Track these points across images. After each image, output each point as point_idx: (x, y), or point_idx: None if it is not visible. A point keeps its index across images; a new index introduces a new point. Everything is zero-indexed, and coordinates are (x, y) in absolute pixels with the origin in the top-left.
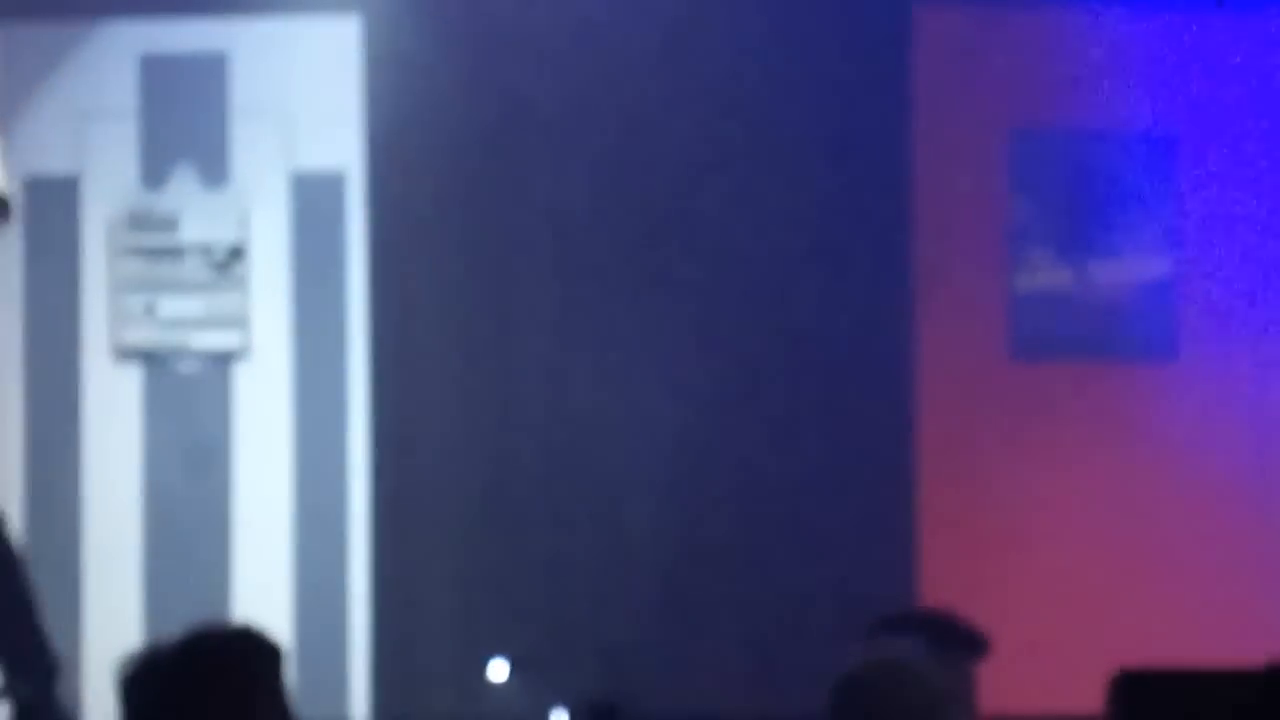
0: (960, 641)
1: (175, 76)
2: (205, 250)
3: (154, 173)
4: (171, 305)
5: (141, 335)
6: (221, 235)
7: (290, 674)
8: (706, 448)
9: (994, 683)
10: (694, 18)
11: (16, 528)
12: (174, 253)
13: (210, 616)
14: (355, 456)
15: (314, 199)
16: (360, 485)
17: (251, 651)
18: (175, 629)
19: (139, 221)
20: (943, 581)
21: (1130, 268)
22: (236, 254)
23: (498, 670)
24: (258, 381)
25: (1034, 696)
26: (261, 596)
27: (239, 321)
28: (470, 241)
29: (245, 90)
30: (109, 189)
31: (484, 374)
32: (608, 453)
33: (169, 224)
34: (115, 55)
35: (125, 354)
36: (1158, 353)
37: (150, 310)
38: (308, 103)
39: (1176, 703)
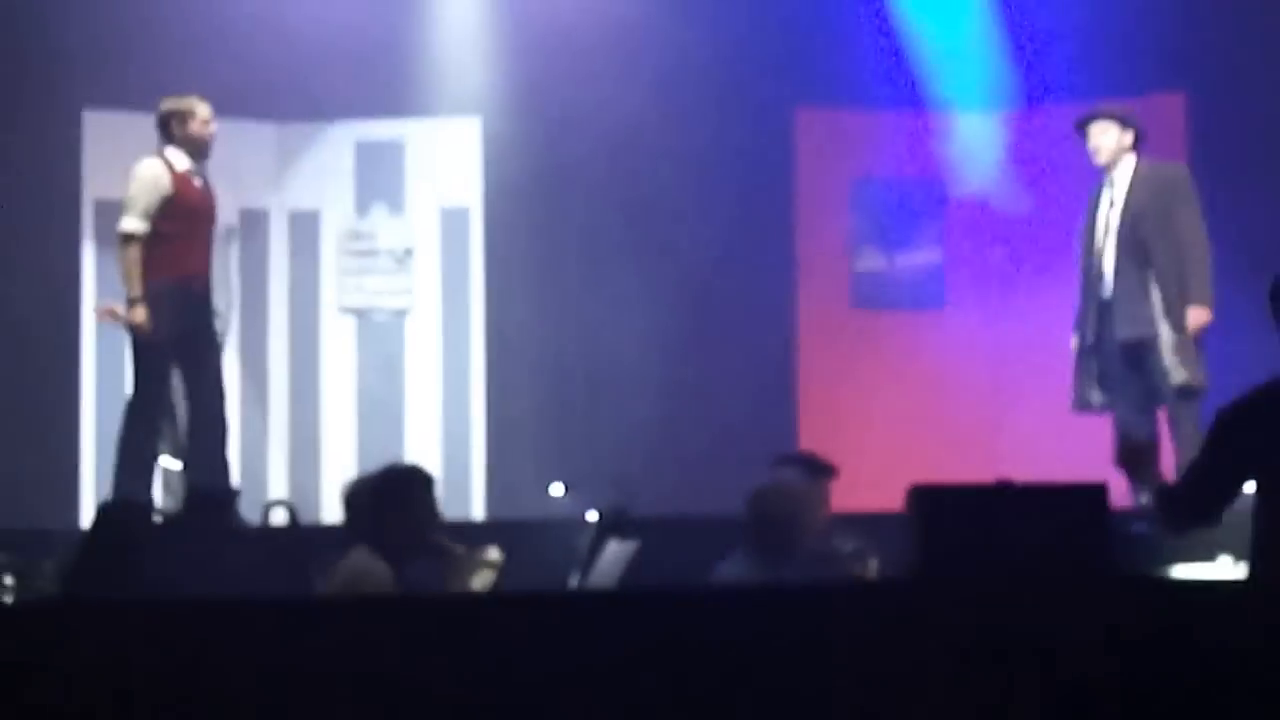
0: (820, 469)
1: (374, 152)
2: (390, 251)
3: (362, 208)
4: (371, 283)
5: (354, 300)
6: (400, 243)
7: (438, 492)
8: (669, 363)
9: (838, 494)
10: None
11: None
12: (372, 253)
13: (393, 459)
14: (475, 367)
15: (452, 223)
16: (479, 383)
17: (417, 477)
18: (373, 468)
19: (353, 235)
20: (812, 435)
21: (917, 257)
22: (408, 254)
23: (556, 488)
24: (420, 327)
25: (862, 503)
26: (421, 449)
27: (409, 292)
28: (538, 246)
29: (413, 160)
30: (337, 217)
31: (545, 320)
32: (617, 370)
33: (370, 237)
34: (342, 141)
35: (345, 311)
36: (931, 305)
37: (360, 286)
38: (449, 168)
39: (947, 505)
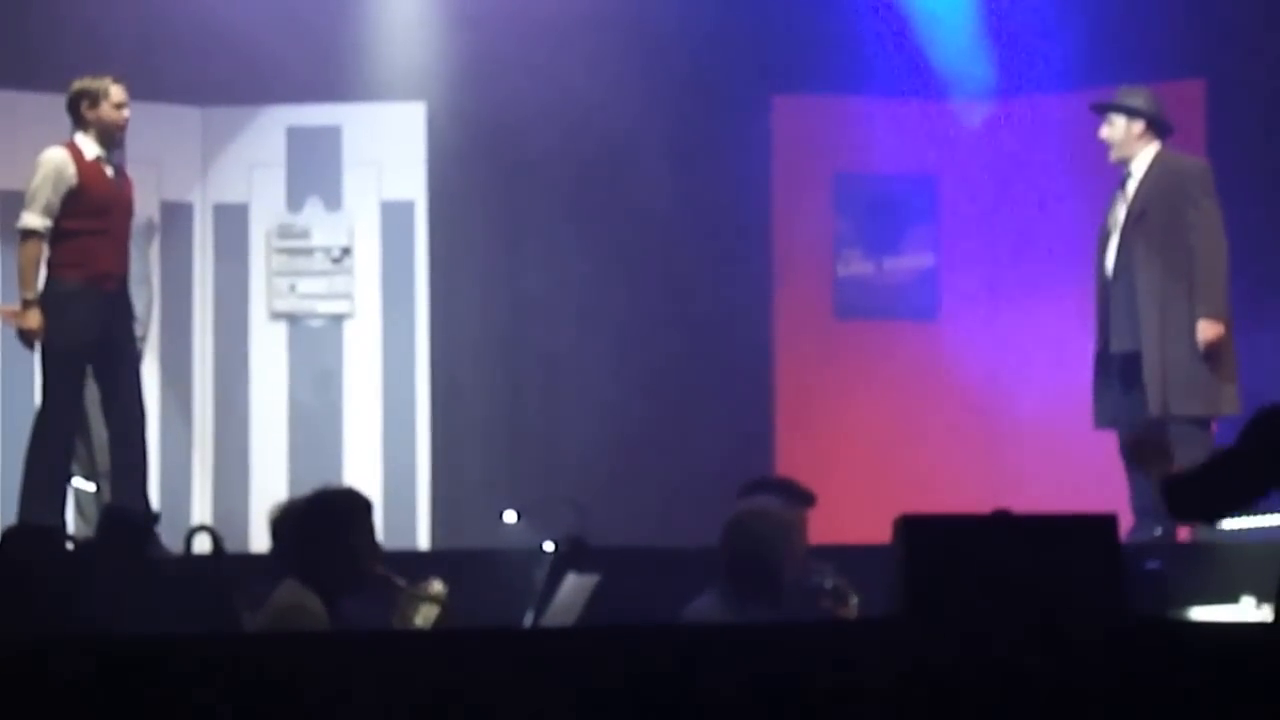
0: (797, 497)
1: (308, 140)
2: (326, 250)
3: (295, 201)
4: (305, 285)
5: (286, 304)
6: (336, 241)
7: (377, 518)
8: (634, 378)
9: (816, 524)
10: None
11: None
12: (307, 251)
13: (328, 481)
14: (420, 380)
15: (395, 218)
16: (424, 398)
17: (353, 502)
18: (305, 489)
19: (285, 232)
20: (791, 458)
21: (908, 262)
22: (346, 252)
23: (509, 515)
24: (359, 334)
25: (842, 535)
26: (360, 469)
27: (347, 295)
28: (490, 244)
29: (351, 149)
30: (266, 211)
31: (498, 326)
32: (577, 385)
33: (304, 233)
34: (272, 127)
35: (276, 316)
36: (923, 315)
37: (292, 288)
38: (391, 158)
39: (938, 537)
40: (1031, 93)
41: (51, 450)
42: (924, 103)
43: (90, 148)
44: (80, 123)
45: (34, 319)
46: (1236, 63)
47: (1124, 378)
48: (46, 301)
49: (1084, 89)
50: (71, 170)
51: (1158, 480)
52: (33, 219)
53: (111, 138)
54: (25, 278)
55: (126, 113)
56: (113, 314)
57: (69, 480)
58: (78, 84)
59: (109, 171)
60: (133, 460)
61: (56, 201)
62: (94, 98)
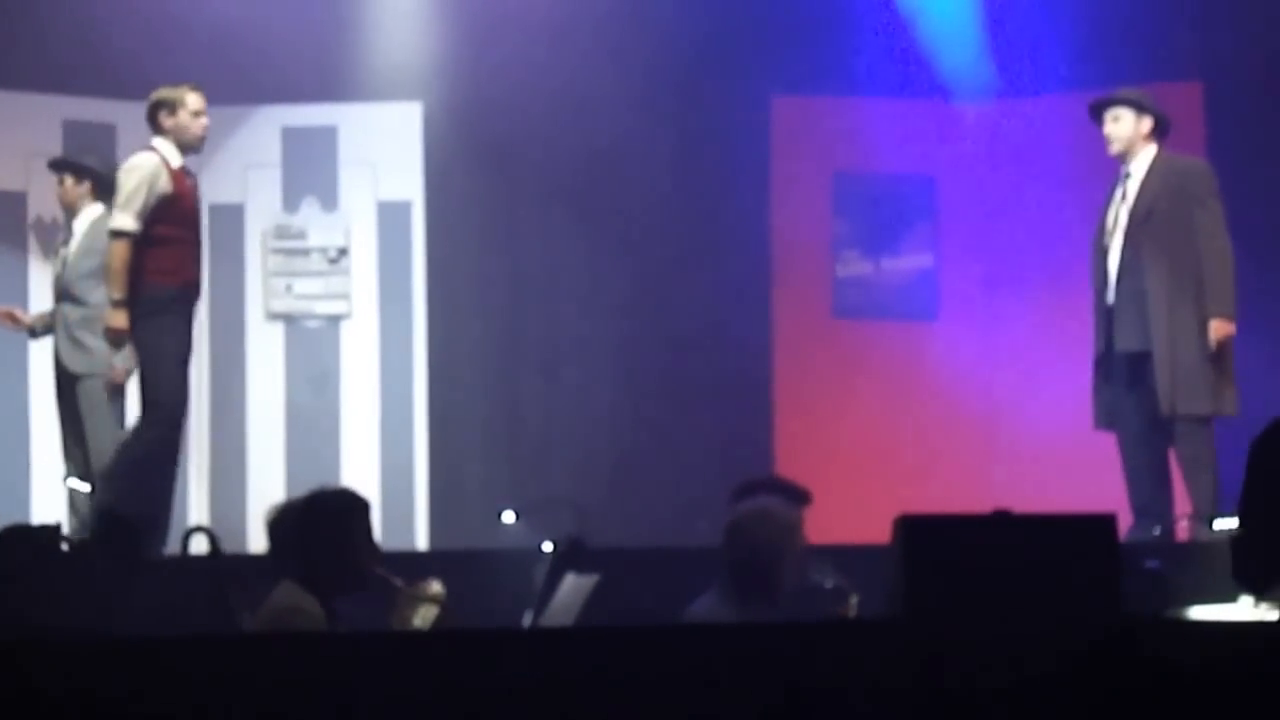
0: (794, 497)
1: (304, 140)
2: (323, 250)
3: (291, 201)
4: (301, 285)
5: (283, 304)
6: (333, 241)
7: (375, 519)
8: (632, 378)
9: (815, 524)
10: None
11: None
12: (303, 252)
13: (326, 482)
14: (418, 380)
15: (391, 218)
16: (421, 398)
17: (350, 503)
18: (303, 490)
19: (281, 232)
20: (790, 458)
21: (906, 262)
22: (343, 253)
23: (507, 516)
24: (356, 334)
25: (842, 534)
26: (358, 469)
27: (344, 296)
28: (487, 244)
29: (348, 149)
30: (262, 211)
31: (495, 326)
32: (575, 386)
33: (300, 234)
34: (267, 127)
35: (273, 316)
36: (922, 315)
37: (289, 288)
38: (387, 158)
39: (937, 537)
40: (1030, 94)
41: (160, 446)
42: (923, 103)
43: (173, 155)
44: (159, 131)
45: (122, 319)
46: (1235, 64)
47: (1129, 377)
48: (142, 306)
49: (1082, 90)
50: (165, 177)
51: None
52: (127, 220)
53: (189, 145)
54: (118, 278)
55: (204, 120)
56: (193, 324)
57: (174, 478)
58: (156, 93)
59: (189, 180)
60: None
61: (150, 206)
62: (171, 106)
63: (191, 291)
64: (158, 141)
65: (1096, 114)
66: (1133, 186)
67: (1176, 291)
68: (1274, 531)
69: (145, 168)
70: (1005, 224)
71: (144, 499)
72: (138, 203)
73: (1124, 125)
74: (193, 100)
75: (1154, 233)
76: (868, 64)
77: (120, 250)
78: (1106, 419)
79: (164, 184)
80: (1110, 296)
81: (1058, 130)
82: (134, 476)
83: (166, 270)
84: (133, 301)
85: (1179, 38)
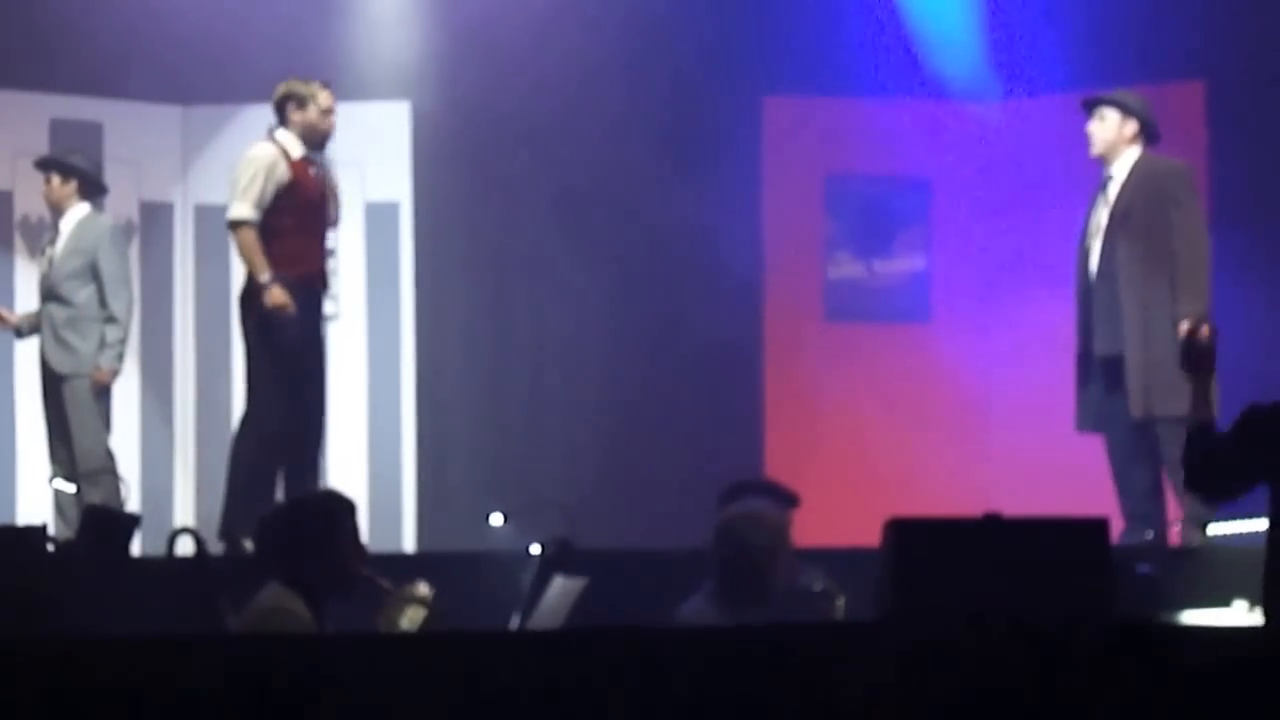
0: (782, 498)
1: None
2: None
3: None
4: None
5: None
6: None
7: (361, 520)
8: (622, 380)
9: (805, 526)
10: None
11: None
12: None
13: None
14: (405, 382)
15: (379, 219)
16: (409, 399)
17: (336, 505)
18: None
19: None
20: (780, 460)
21: (899, 264)
22: (331, 253)
23: (495, 518)
24: (343, 335)
25: (831, 537)
26: (345, 471)
27: (332, 297)
28: (476, 245)
29: (335, 150)
30: None
31: (483, 327)
32: (564, 387)
33: None
34: (254, 126)
35: None
36: (915, 317)
37: None
38: (375, 158)
39: (927, 540)
40: (1024, 95)
41: (261, 449)
42: (916, 104)
43: (295, 147)
44: (285, 123)
45: (280, 295)
46: (1236, 64)
47: (1106, 381)
48: (258, 298)
49: (1078, 91)
50: (284, 166)
51: (1199, 386)
52: (245, 209)
53: (315, 141)
54: (256, 261)
55: (333, 119)
56: (319, 313)
57: (276, 478)
58: (285, 86)
59: (313, 171)
60: (312, 455)
61: (269, 196)
62: (301, 100)
63: (313, 281)
64: (280, 133)
65: (1088, 112)
66: (1114, 189)
67: (1151, 292)
68: (1244, 454)
69: (262, 159)
70: (998, 226)
71: (236, 515)
72: (254, 192)
73: (1107, 126)
74: (324, 98)
75: (1131, 234)
76: (860, 64)
77: (245, 237)
78: (1085, 421)
79: (282, 173)
80: (1089, 299)
81: (1055, 131)
82: (242, 500)
83: (284, 261)
84: (250, 291)
85: (1180, 37)
